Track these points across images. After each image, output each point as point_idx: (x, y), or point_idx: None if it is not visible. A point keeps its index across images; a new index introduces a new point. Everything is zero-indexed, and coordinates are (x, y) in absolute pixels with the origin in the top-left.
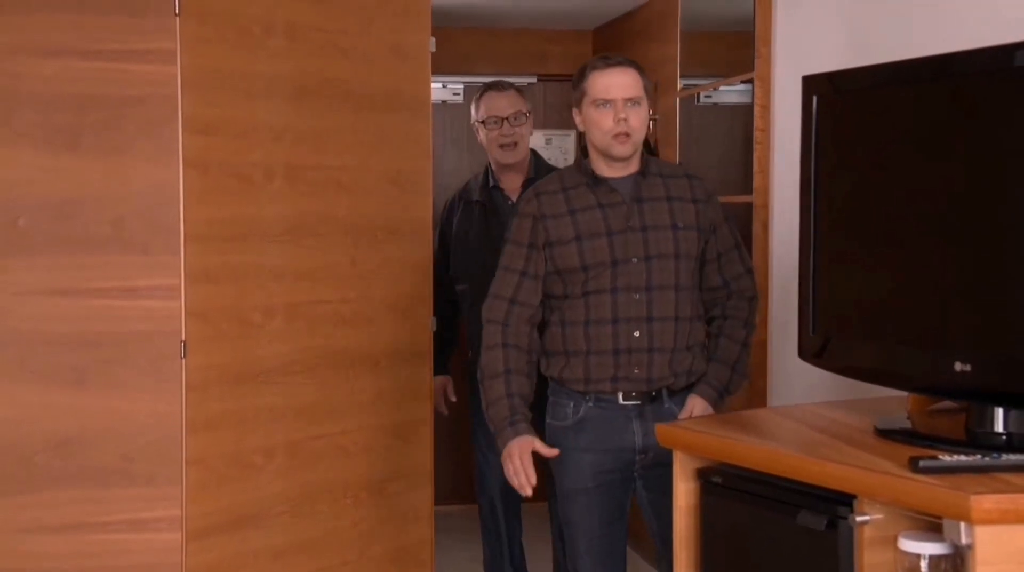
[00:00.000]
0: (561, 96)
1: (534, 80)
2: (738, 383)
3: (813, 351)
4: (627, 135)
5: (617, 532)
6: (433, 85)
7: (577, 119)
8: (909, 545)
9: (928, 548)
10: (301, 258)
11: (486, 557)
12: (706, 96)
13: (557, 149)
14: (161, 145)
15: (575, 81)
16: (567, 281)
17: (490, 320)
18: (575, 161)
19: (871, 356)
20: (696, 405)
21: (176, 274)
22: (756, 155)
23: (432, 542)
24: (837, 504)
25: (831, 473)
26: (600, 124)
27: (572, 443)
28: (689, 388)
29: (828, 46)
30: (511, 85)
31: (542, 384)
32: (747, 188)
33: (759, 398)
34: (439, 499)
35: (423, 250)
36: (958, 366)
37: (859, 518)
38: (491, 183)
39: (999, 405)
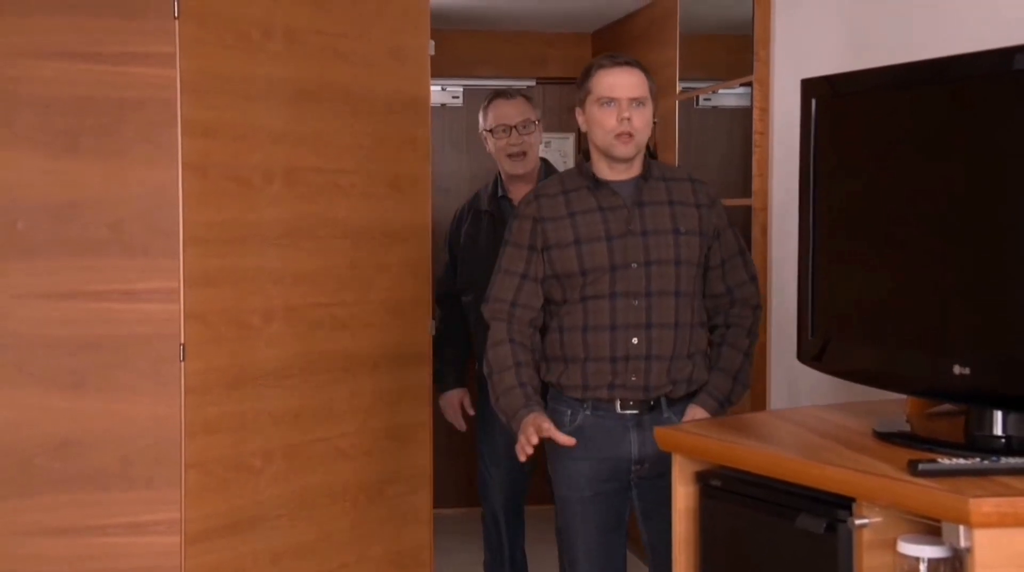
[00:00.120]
0: (560, 99)
1: (533, 83)
2: (740, 393)
3: (812, 354)
4: (630, 135)
5: (615, 541)
6: (432, 88)
7: (580, 119)
8: (908, 548)
9: (927, 551)
10: (300, 261)
11: (487, 560)
12: (705, 99)
13: (556, 152)
14: (160, 148)
15: (580, 80)
16: (566, 286)
17: (494, 318)
18: (576, 163)
19: (870, 359)
20: (696, 415)
21: (175, 277)
22: (755, 158)
23: (431, 545)
24: (836, 507)
25: (830, 476)
26: (603, 123)
27: (568, 451)
28: (689, 397)
29: (827, 49)
30: (519, 92)
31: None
32: (746, 191)
33: (758, 401)
34: (439, 502)
35: (422, 253)
36: (957, 369)
37: (858, 521)
38: (500, 193)
39: (998, 408)
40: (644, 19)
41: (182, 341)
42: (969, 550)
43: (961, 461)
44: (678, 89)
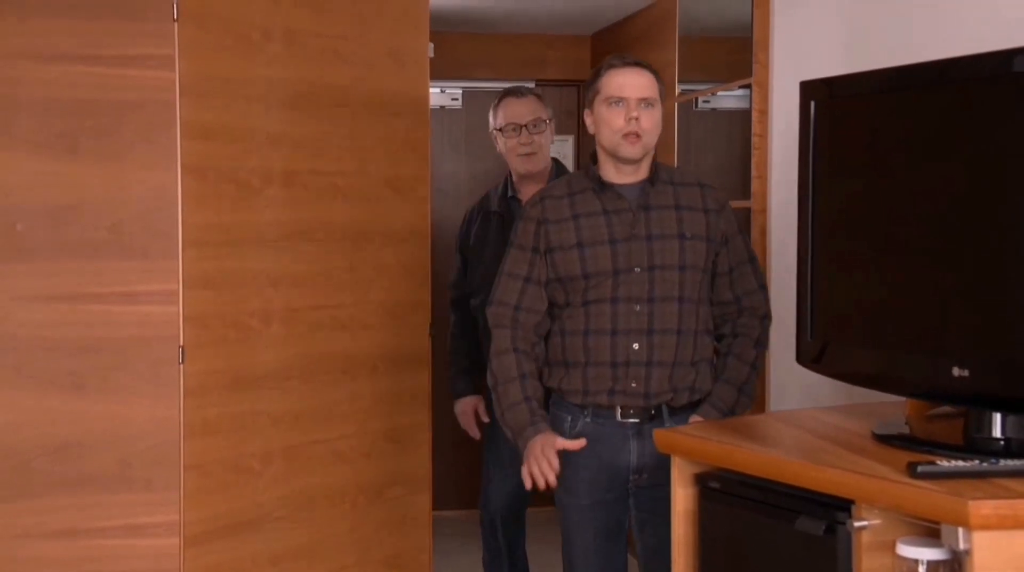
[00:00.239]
0: (560, 101)
1: (532, 85)
2: (745, 405)
3: (811, 356)
4: (637, 136)
5: (615, 549)
6: (431, 90)
7: (588, 120)
8: (907, 551)
9: (926, 554)
10: (299, 263)
11: (485, 560)
12: (704, 101)
13: (556, 154)
14: (159, 150)
15: (589, 82)
16: (568, 289)
17: (497, 325)
18: (584, 166)
19: (869, 361)
20: None
21: (174, 279)
22: (754, 160)
23: (430, 547)
24: (835, 509)
25: (829, 478)
26: (611, 122)
27: (568, 459)
28: (691, 406)
29: (826, 51)
30: (530, 90)
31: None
32: (745, 193)
33: (757, 403)
34: (439, 504)
35: (421, 255)
36: (956, 371)
37: (857, 523)
38: (509, 193)
39: (997, 410)
40: (643, 21)
41: (181, 343)
42: (968, 552)
43: (960, 463)
44: (677, 91)
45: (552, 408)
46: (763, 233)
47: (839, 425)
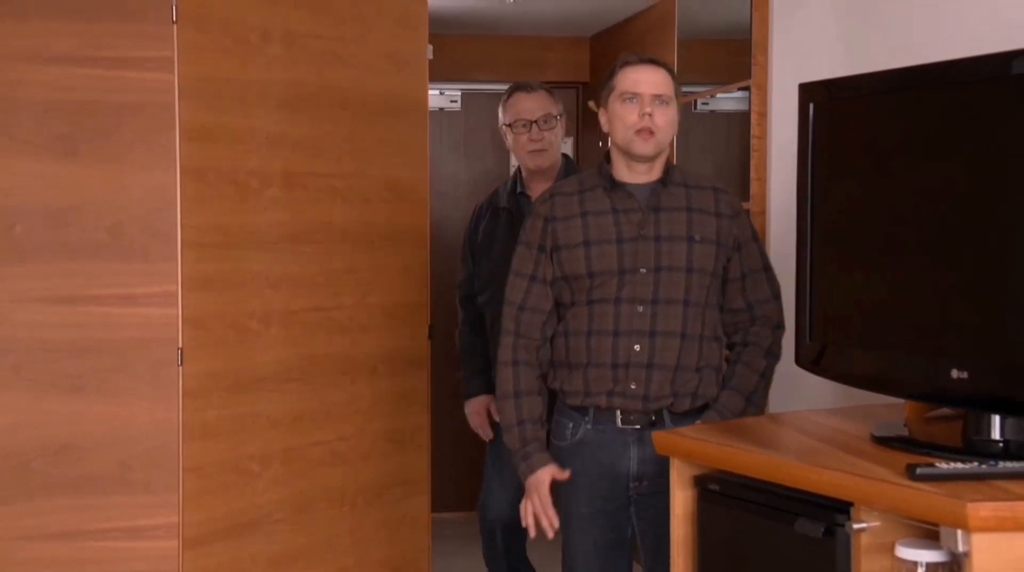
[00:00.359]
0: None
1: None
2: (752, 415)
3: (810, 358)
4: (651, 132)
5: (616, 559)
6: (431, 92)
7: (603, 119)
8: (906, 553)
9: (925, 556)
10: (298, 265)
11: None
12: (703, 103)
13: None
14: (158, 152)
15: (605, 80)
16: (574, 288)
17: (504, 331)
18: (598, 164)
19: (868, 363)
20: None
21: (173, 281)
22: (753, 163)
23: (429, 550)
24: (834, 512)
25: (828, 481)
26: (624, 118)
27: (568, 465)
28: (694, 412)
29: (825, 53)
30: (541, 85)
31: (554, 398)
32: (744, 195)
33: None
34: (439, 506)
35: (420, 257)
36: (955, 373)
37: (856, 526)
38: (519, 189)
39: (996, 412)
40: (642, 23)
41: (180, 345)
42: (967, 554)
43: (959, 465)
44: None
45: (555, 414)
46: (762, 235)
47: (838, 427)
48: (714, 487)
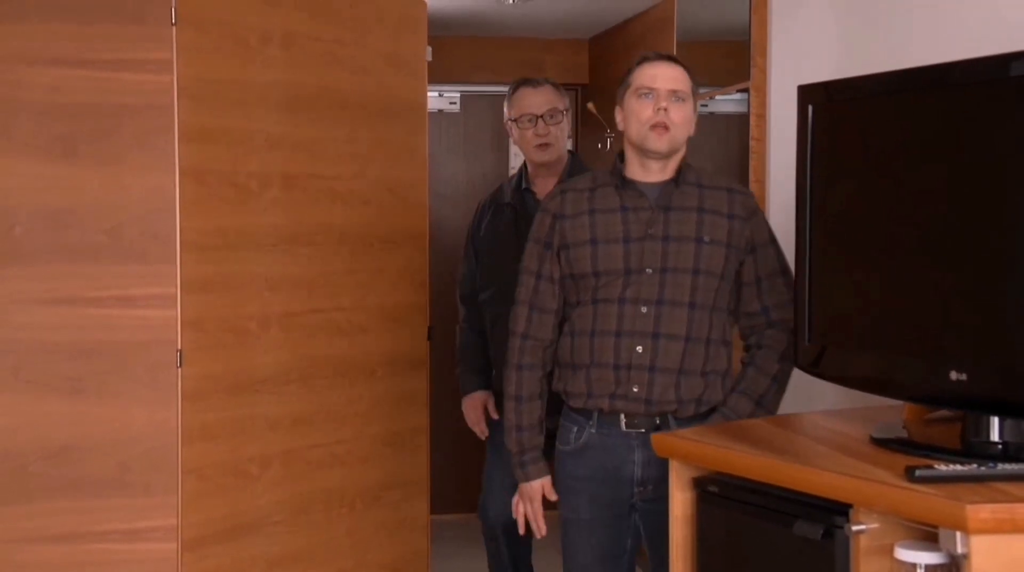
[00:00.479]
0: None
1: None
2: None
3: (809, 360)
4: (665, 127)
5: (615, 569)
6: (429, 94)
7: (619, 118)
8: (905, 555)
9: (924, 558)
10: (297, 267)
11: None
12: (702, 105)
13: None
14: (157, 154)
15: (622, 78)
16: (580, 287)
17: (511, 331)
18: (612, 162)
19: (867, 365)
20: None
21: (172, 283)
22: (752, 165)
23: (428, 552)
24: (833, 513)
25: (827, 482)
26: (639, 114)
27: (571, 470)
28: (700, 418)
29: (824, 55)
30: (546, 80)
31: (558, 401)
32: None
33: None
34: (438, 508)
35: (419, 259)
36: (954, 375)
37: (855, 527)
38: (523, 185)
39: (995, 414)
40: (641, 25)
41: (179, 347)
42: (966, 556)
43: (958, 467)
44: None
45: (562, 419)
46: None
47: (837, 429)
48: (713, 489)
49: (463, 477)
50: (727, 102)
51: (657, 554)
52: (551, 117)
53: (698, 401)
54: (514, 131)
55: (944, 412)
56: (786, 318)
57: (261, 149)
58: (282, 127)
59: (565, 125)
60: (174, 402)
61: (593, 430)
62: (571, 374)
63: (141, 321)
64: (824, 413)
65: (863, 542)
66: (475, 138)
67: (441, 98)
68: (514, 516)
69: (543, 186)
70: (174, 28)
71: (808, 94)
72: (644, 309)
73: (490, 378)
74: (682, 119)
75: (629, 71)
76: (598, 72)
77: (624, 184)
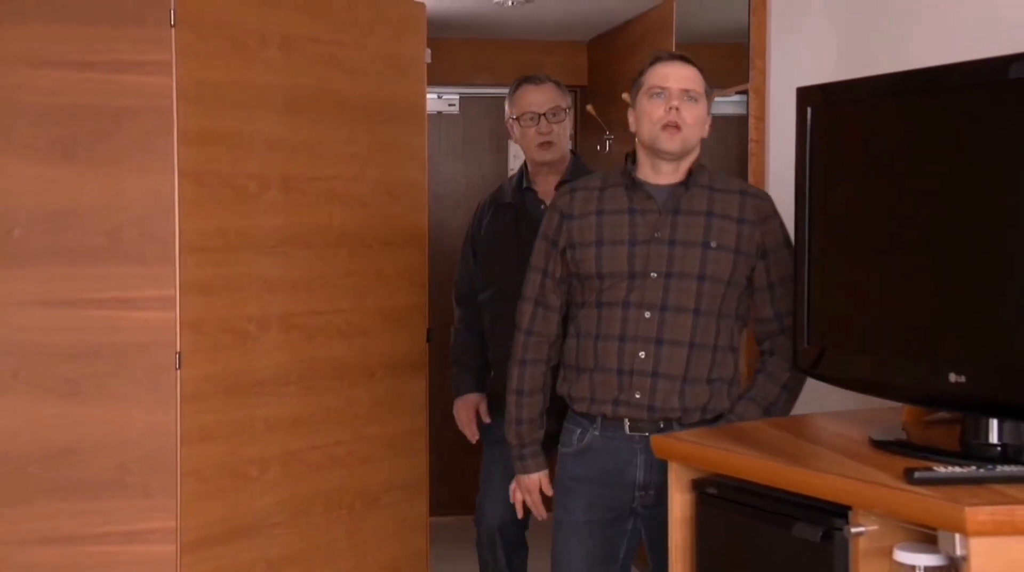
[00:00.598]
0: None
1: None
2: None
3: (808, 363)
4: (677, 127)
5: None
6: (428, 96)
7: (631, 119)
8: (904, 557)
9: (923, 560)
10: (296, 269)
11: None
12: None
13: None
14: (156, 156)
15: (634, 79)
16: (585, 288)
17: (517, 327)
18: (624, 162)
19: (866, 367)
20: None
21: (171, 285)
22: (751, 166)
23: (427, 553)
24: (832, 515)
25: (826, 484)
26: (650, 114)
27: (572, 471)
28: (706, 425)
29: (823, 57)
30: (549, 78)
31: (560, 403)
32: None
33: None
34: (437, 510)
35: (419, 261)
36: (952, 377)
37: (854, 529)
38: (524, 184)
39: (994, 416)
40: (640, 27)
41: (178, 349)
42: (965, 558)
43: (957, 469)
44: None
45: (566, 422)
46: None
47: (836, 431)
48: (712, 491)
49: (462, 479)
50: (726, 104)
51: (659, 559)
52: (553, 115)
53: (703, 409)
54: (516, 130)
55: (943, 414)
56: None
57: (260, 151)
58: (281, 129)
59: (567, 124)
60: (173, 404)
61: (596, 433)
62: (575, 377)
63: (140, 323)
64: (823, 415)
65: (862, 544)
66: (474, 140)
67: (440, 100)
68: (511, 500)
69: (544, 185)
70: (173, 30)
71: (807, 96)
72: (647, 314)
73: (484, 380)
74: (694, 119)
75: (641, 72)
76: (597, 74)
77: (634, 185)
